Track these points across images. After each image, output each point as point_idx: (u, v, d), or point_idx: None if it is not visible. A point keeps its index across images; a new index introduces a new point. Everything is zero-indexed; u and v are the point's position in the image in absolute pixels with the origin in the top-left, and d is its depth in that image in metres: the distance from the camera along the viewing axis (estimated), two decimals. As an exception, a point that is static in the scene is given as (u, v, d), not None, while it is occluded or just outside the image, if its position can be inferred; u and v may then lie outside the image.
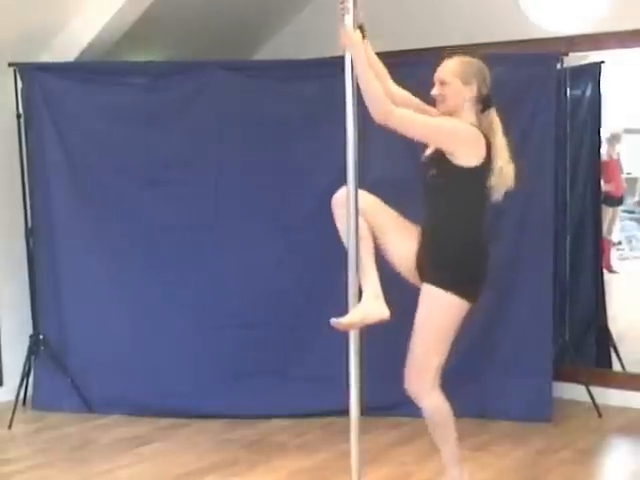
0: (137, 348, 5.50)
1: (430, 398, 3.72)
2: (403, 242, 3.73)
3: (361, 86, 3.41)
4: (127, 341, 5.51)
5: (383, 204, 3.77)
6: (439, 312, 3.63)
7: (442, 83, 3.68)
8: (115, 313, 5.52)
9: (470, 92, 3.68)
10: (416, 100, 3.80)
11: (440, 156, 3.59)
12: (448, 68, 3.70)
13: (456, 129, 3.59)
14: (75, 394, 5.52)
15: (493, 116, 3.76)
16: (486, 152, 3.60)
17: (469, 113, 3.69)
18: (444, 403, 3.73)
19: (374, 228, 3.68)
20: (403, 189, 5.02)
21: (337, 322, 3.46)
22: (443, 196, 3.65)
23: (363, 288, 3.56)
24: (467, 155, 3.56)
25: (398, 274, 3.76)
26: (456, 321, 3.64)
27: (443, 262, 3.62)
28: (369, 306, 3.55)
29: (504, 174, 3.67)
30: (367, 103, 3.43)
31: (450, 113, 3.68)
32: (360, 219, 3.52)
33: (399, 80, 3.85)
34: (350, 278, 3.48)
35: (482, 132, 3.63)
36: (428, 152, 3.73)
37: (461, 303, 3.61)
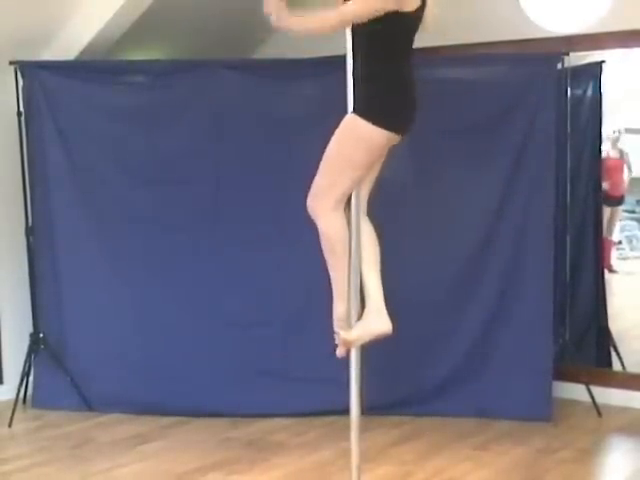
0: (137, 347, 5.50)
1: (326, 218, 3.55)
2: None
3: (302, 32, 3.40)
4: (127, 340, 5.51)
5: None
6: (347, 137, 3.48)
7: None
8: (115, 312, 5.52)
9: None
10: None
11: None
12: None
13: None
14: (75, 392, 5.52)
15: None
16: None
17: None
18: (340, 229, 3.53)
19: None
20: (401, 189, 5.06)
21: (340, 338, 3.45)
22: None
23: (366, 300, 3.54)
24: None
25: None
26: (367, 150, 3.48)
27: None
28: (371, 321, 3.52)
29: None
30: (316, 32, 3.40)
31: None
32: (362, 227, 3.51)
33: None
34: (352, 289, 3.49)
35: None
36: None
37: (367, 127, 3.42)
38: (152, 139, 5.43)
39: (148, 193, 5.45)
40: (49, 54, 5.64)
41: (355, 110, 3.46)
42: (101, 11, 5.47)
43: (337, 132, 3.52)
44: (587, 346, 6.01)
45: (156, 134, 5.44)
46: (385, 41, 3.45)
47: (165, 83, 5.49)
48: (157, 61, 6.10)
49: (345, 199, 3.54)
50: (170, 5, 5.53)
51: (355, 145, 3.47)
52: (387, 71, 3.47)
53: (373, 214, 3.69)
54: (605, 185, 6.84)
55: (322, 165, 3.54)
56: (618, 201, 10.19)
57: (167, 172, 5.41)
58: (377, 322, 3.52)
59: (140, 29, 5.66)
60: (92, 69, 5.58)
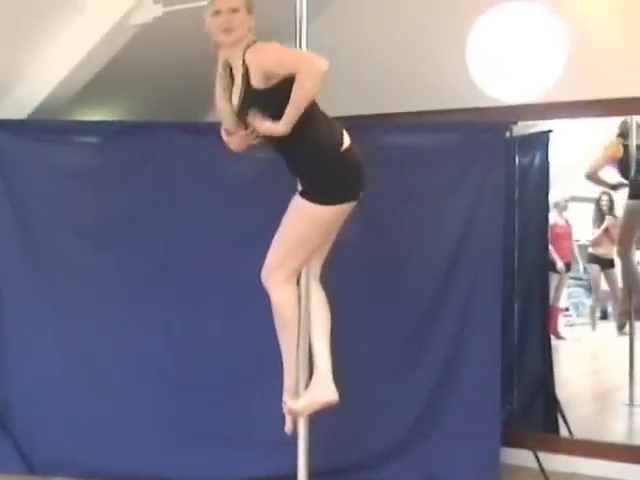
0: (84, 408, 5.40)
1: (279, 292, 3.63)
2: None
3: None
4: (74, 401, 5.41)
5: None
6: (300, 220, 3.59)
7: (233, 11, 3.53)
8: (63, 372, 5.43)
9: (251, 22, 3.60)
10: None
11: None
12: None
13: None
14: (18, 455, 5.40)
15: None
16: None
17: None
18: (292, 303, 3.62)
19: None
20: (350, 254, 5.07)
21: (287, 408, 3.45)
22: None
23: (314, 369, 3.54)
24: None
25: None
26: (319, 227, 3.58)
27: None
28: (318, 391, 3.52)
29: None
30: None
31: (234, 45, 3.56)
32: (313, 294, 3.53)
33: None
34: (300, 357, 3.49)
35: None
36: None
37: (318, 209, 3.53)
38: (103, 200, 5.40)
39: (98, 254, 5.40)
40: (0, 113, 5.62)
41: (301, 193, 3.50)
42: (54, 71, 5.47)
43: (288, 212, 3.55)
44: (535, 412, 6.03)
45: (107, 195, 5.41)
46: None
47: (117, 144, 5.48)
48: (109, 122, 6.11)
49: (299, 272, 3.57)
50: (123, 67, 5.55)
51: (305, 226, 3.51)
52: (314, 152, 3.52)
53: (324, 279, 3.70)
54: (552, 252, 6.93)
55: (275, 242, 3.56)
56: (565, 268, 10.32)
57: (118, 234, 5.37)
58: (324, 392, 3.52)
59: (93, 89, 5.66)
60: (43, 128, 5.55)
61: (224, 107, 3.69)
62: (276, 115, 3.49)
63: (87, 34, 5.29)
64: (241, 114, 3.65)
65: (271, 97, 3.50)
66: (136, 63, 5.67)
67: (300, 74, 3.36)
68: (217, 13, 3.57)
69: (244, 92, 3.56)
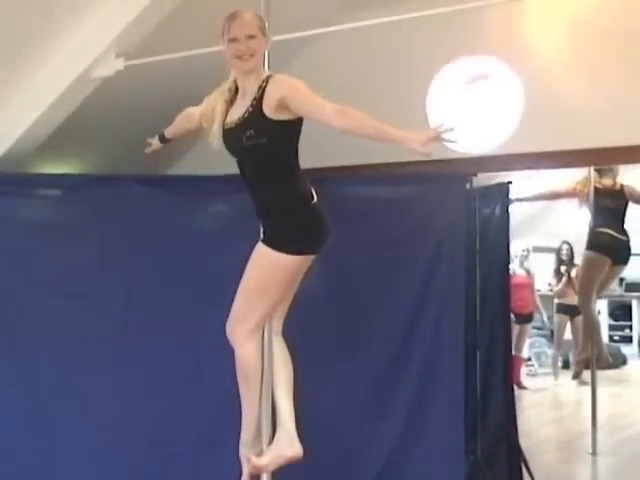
0: (41, 464, 5.31)
1: (243, 348, 3.62)
2: None
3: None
4: (29, 453, 5.30)
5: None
6: (262, 268, 3.61)
7: (251, 37, 3.57)
8: (17, 425, 5.33)
9: (266, 45, 3.67)
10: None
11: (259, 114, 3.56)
12: (254, 21, 3.62)
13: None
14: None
15: None
16: None
17: (262, 68, 3.70)
18: (255, 358, 3.62)
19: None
20: (314, 305, 5.07)
21: (251, 464, 3.44)
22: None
23: (277, 424, 3.54)
24: None
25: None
26: (281, 277, 3.60)
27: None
28: (282, 446, 3.52)
29: None
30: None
31: (253, 71, 3.62)
32: (275, 349, 3.53)
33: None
34: (264, 412, 3.47)
35: None
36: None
37: (281, 257, 3.55)
38: (64, 253, 5.35)
39: (59, 307, 5.34)
40: (-41, 167, 5.59)
41: (264, 241, 3.53)
42: (16, 124, 5.45)
43: (250, 261, 3.58)
44: (498, 462, 6.03)
45: (68, 248, 5.37)
46: (285, 155, 3.57)
47: (78, 197, 5.45)
48: (70, 175, 6.08)
49: (263, 324, 3.58)
50: (85, 120, 5.55)
51: (268, 274, 3.54)
52: (288, 198, 3.56)
53: (286, 331, 3.70)
54: (513, 303, 6.96)
55: (239, 293, 3.59)
56: (527, 318, 10.39)
57: (78, 286, 5.32)
58: (288, 446, 3.53)
59: (55, 142, 5.65)
60: (5, 182, 5.53)
61: (217, 117, 3.72)
62: (270, 144, 3.58)
63: (49, 87, 5.30)
64: (232, 130, 3.67)
65: (276, 128, 3.57)
66: (98, 116, 5.68)
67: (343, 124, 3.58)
68: (233, 40, 3.61)
69: (249, 113, 3.60)
